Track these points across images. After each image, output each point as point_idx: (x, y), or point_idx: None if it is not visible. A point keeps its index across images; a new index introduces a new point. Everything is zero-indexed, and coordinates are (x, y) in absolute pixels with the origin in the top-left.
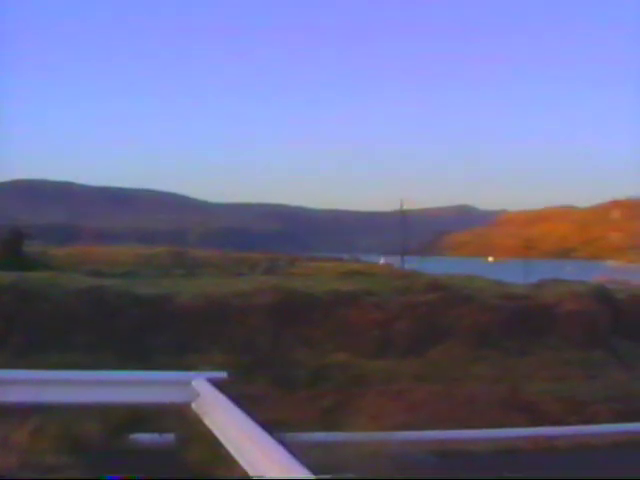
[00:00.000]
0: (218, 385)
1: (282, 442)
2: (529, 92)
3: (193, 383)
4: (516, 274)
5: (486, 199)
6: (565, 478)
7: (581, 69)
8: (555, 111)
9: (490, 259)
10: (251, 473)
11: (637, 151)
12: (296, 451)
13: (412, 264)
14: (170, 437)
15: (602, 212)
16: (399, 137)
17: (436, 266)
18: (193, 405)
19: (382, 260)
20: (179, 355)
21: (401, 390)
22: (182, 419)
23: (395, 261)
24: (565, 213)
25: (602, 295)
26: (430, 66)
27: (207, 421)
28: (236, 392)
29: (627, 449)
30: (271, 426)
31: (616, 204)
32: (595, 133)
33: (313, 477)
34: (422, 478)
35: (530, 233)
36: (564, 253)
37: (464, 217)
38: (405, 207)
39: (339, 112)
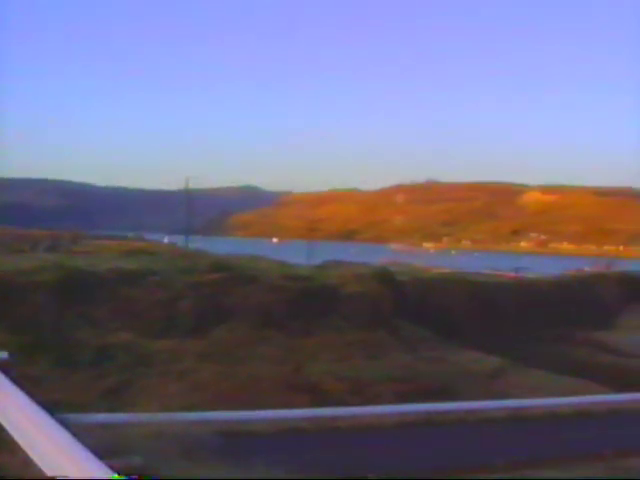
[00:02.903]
0: None
1: (64, 423)
2: (320, 79)
3: None
4: (300, 255)
5: (272, 180)
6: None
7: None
8: (343, 97)
9: (275, 240)
10: (32, 455)
11: (420, 137)
12: (79, 432)
13: (197, 243)
14: None
15: (386, 196)
16: (185, 117)
17: (221, 246)
18: None
19: (166, 239)
20: None
21: (185, 370)
22: None
23: (180, 240)
24: (350, 196)
25: (385, 277)
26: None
27: None
28: (17, 373)
29: (408, 429)
30: (53, 407)
31: (400, 188)
32: (379, 119)
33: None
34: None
35: (315, 215)
36: (348, 235)
37: (250, 197)
38: (190, 186)
39: (126, 91)
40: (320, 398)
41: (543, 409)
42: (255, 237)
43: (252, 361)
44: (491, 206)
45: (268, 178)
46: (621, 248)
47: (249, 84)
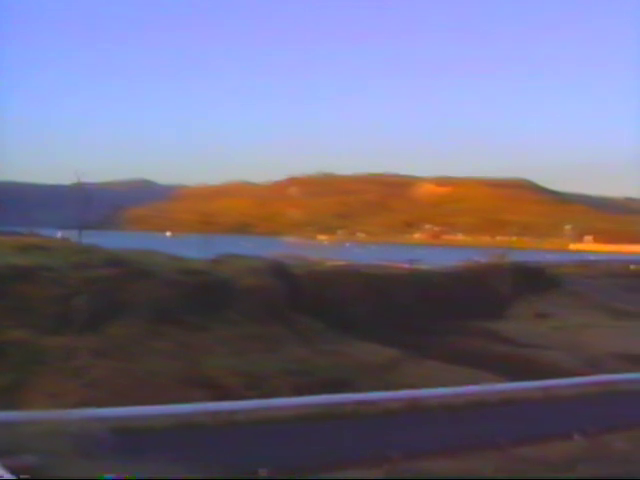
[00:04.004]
0: None
1: None
2: (212, 72)
3: None
4: (195, 249)
5: (166, 173)
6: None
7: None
8: (235, 89)
9: (168, 234)
10: None
11: (313, 129)
12: None
13: (91, 239)
14: None
15: (280, 189)
16: (78, 110)
17: (115, 241)
18: None
19: (59, 234)
20: None
21: (80, 367)
22: None
23: (73, 235)
24: (244, 189)
25: (280, 270)
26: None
27: None
28: None
29: (306, 422)
30: None
31: (293, 181)
32: (270, 112)
33: None
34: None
35: (209, 208)
36: (243, 229)
37: (144, 191)
38: (84, 180)
39: (13, 80)
40: (217, 393)
41: (438, 399)
42: (150, 231)
43: (148, 357)
44: (385, 198)
45: (162, 172)
46: (514, 239)
47: (142, 77)
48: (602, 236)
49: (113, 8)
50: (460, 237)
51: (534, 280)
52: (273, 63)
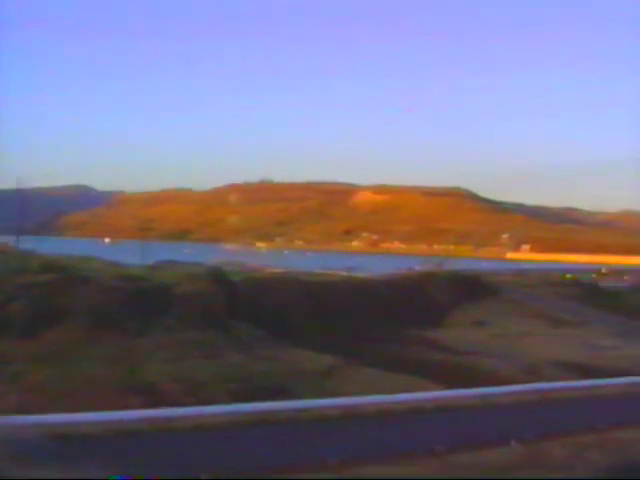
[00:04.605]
0: None
1: None
2: (151, 77)
3: None
4: (134, 255)
5: (104, 179)
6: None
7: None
8: (174, 95)
9: (107, 240)
10: None
11: (254, 136)
12: None
13: (28, 244)
14: None
15: (220, 195)
16: (16, 114)
17: (53, 246)
18: None
19: None
20: None
21: (17, 373)
22: None
23: (11, 241)
24: (184, 195)
25: (218, 277)
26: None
27: None
28: None
29: (244, 428)
30: None
31: (234, 188)
32: (211, 118)
33: None
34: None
35: (148, 214)
36: (182, 235)
37: (83, 197)
38: (22, 185)
39: None
40: (155, 399)
41: (376, 406)
42: (88, 237)
43: (86, 362)
44: (324, 206)
45: (101, 177)
46: (451, 247)
47: (80, 82)
48: (539, 245)
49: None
50: (398, 245)
51: (471, 288)
52: (213, 69)
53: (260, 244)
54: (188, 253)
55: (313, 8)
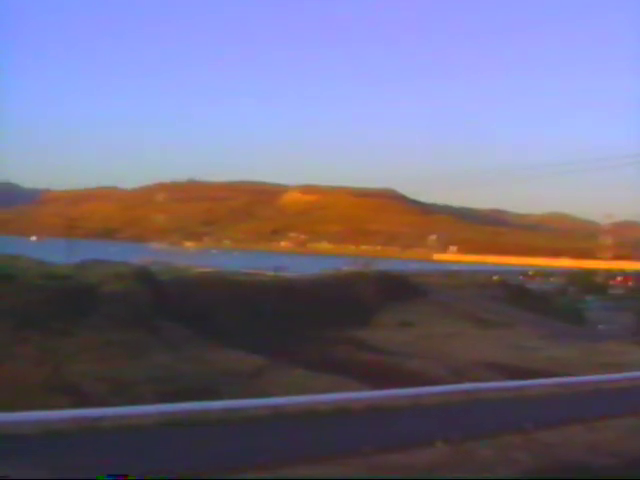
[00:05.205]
0: None
1: None
2: (77, 73)
3: None
4: (60, 254)
5: (30, 177)
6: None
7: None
8: (103, 92)
9: (33, 238)
10: None
11: (182, 136)
12: None
13: None
14: None
15: (147, 194)
16: None
17: None
18: None
19: None
20: None
21: None
22: None
23: None
24: (112, 194)
25: (145, 276)
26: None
27: None
28: None
29: (171, 429)
30: None
31: (161, 187)
32: (139, 117)
33: None
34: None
35: (75, 212)
36: (109, 234)
37: (8, 195)
38: None
39: None
40: (81, 399)
41: (304, 406)
42: (13, 235)
43: (11, 362)
44: (252, 206)
45: (27, 175)
46: (379, 248)
47: (9, 75)
48: (467, 246)
49: None
50: (326, 245)
51: (399, 289)
52: (139, 67)
53: (188, 243)
54: (115, 252)
55: None
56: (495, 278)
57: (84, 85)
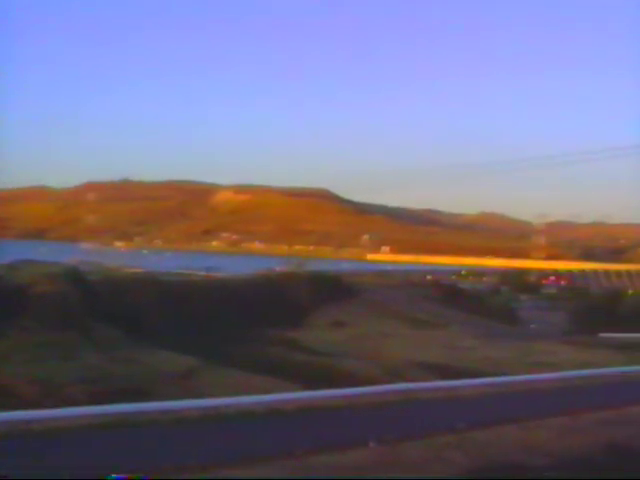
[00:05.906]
0: None
1: None
2: (22, 69)
3: None
4: None
5: None
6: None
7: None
8: (33, 89)
9: None
10: None
11: (115, 134)
12: None
13: None
14: None
15: (79, 194)
16: None
17: None
18: None
19: None
20: None
21: None
22: None
23: None
24: (42, 193)
25: (75, 277)
26: None
27: None
28: None
29: (102, 431)
30: None
31: (92, 186)
32: (70, 114)
33: None
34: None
35: (4, 212)
36: (39, 234)
37: None
38: None
39: None
40: (12, 401)
41: (235, 407)
42: None
43: None
44: (184, 205)
45: None
46: (312, 248)
47: None
48: (400, 246)
49: None
50: (258, 245)
51: (332, 289)
52: (76, 64)
53: (119, 243)
54: (45, 252)
55: None
56: (428, 278)
57: (12, 81)
